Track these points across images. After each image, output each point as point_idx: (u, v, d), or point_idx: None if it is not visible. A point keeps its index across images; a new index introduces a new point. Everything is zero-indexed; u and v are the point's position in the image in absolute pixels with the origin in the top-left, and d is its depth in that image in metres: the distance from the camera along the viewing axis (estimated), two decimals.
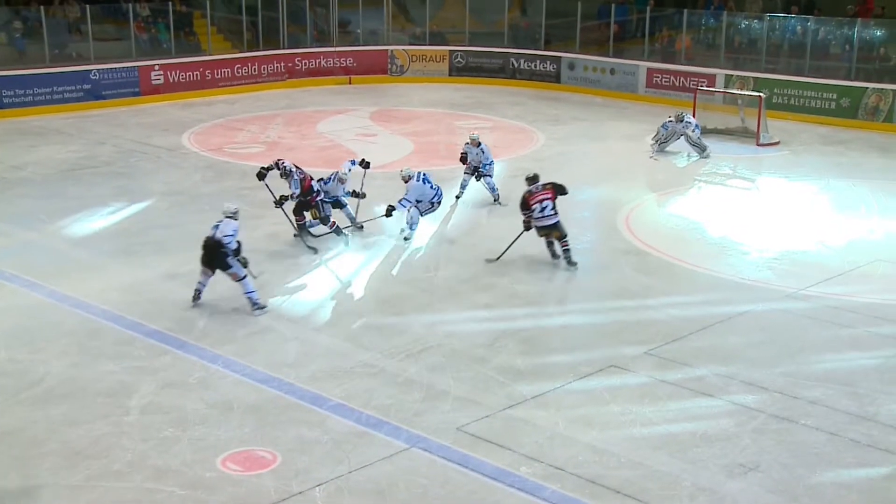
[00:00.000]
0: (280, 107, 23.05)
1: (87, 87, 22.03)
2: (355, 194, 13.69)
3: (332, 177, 13.51)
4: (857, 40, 22.35)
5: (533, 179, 12.57)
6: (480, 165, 15.03)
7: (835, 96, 21.60)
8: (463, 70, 26.74)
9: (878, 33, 22.64)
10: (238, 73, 24.71)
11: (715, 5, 25.60)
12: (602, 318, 10.81)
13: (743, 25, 24.79)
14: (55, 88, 21.66)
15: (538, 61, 26.14)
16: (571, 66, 25.65)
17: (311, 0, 26.62)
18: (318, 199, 13.18)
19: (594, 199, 15.59)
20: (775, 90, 22.07)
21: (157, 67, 23.20)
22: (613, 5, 26.01)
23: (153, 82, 23.12)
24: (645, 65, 24.35)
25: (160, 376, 9.18)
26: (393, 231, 13.53)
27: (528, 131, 20.83)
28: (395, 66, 26.83)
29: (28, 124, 20.25)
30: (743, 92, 21.56)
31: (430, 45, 27.26)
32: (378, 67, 26.67)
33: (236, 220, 10.94)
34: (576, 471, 7.70)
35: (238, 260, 10.81)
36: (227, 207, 11.14)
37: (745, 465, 7.83)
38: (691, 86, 22.43)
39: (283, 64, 25.47)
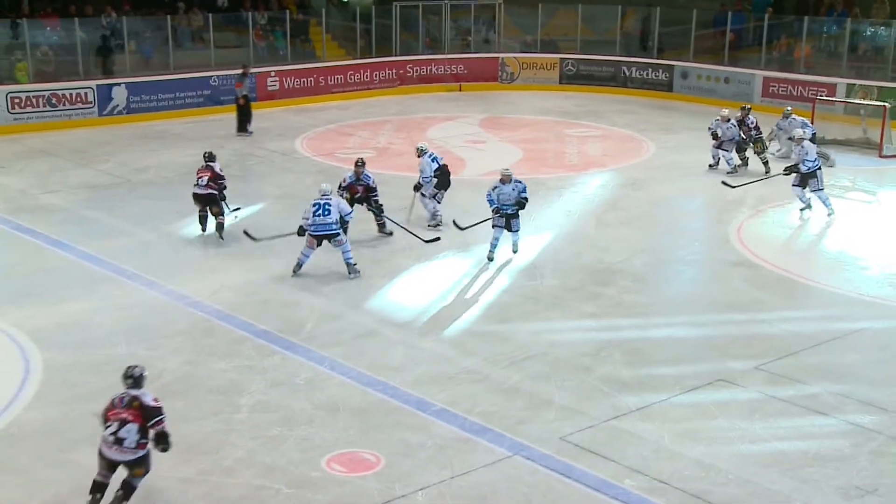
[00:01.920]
0: (391, 113, 23.35)
1: (207, 92, 22.74)
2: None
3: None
4: None
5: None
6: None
7: None
8: (573, 78, 26.60)
9: None
10: (351, 79, 25.14)
11: (838, 11, 24.83)
12: (711, 331, 10.61)
13: (868, 32, 23.99)
14: (178, 94, 22.42)
15: (650, 70, 25.82)
16: (685, 75, 25.24)
17: (423, 7, 26.92)
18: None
19: (705, 210, 15.30)
20: None
21: (273, 73, 23.80)
22: (730, 13, 25.55)
23: (269, 88, 23.72)
24: (761, 73, 23.79)
25: (269, 376, 9.40)
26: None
27: (639, 140, 20.59)
28: (505, 74, 26.87)
29: (152, 129, 21.01)
30: (865, 102, 20.86)
31: (540, 52, 27.21)
32: (489, 74, 26.77)
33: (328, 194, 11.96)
34: (681, 485, 7.58)
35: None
36: (323, 188, 12.11)
37: (861, 488, 7.56)
38: (810, 95, 21.81)
39: (394, 70, 25.81)
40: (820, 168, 14.73)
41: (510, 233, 12.81)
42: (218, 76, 22.82)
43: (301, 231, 12.09)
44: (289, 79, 24.09)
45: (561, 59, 26.80)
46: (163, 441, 7.11)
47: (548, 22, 27.75)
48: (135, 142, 19.82)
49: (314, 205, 12.00)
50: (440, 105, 24.12)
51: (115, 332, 10.38)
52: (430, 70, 26.36)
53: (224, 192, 13.69)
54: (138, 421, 7.01)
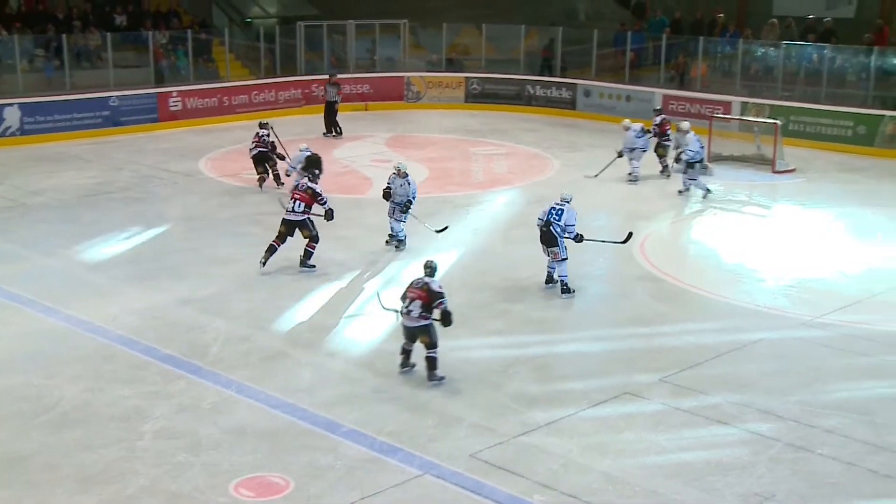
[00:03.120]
0: (295, 133, 23.17)
1: (105, 113, 22.22)
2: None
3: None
4: (873, 69, 22.34)
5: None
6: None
7: (851, 124, 21.55)
8: (478, 97, 26.85)
9: (895, 62, 22.64)
10: (255, 99, 24.87)
11: (731, 33, 25.66)
12: (616, 345, 10.79)
13: (759, 53, 24.83)
14: (75, 115, 21.84)
15: (554, 88, 26.23)
16: (587, 93, 25.71)
17: (328, 27, 26.85)
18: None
19: (609, 226, 15.56)
20: (791, 118, 22.02)
21: (175, 94, 23.41)
22: (629, 33, 26.16)
23: (171, 108, 23.32)
24: (661, 91, 24.37)
25: (174, 401, 9.20)
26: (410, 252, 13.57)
27: (544, 158, 20.86)
28: (411, 93, 26.96)
29: (48, 150, 20.41)
30: (759, 119, 21.56)
31: (446, 71, 27.41)
32: (394, 94, 26.81)
33: (569, 202, 12.45)
34: (590, 499, 7.66)
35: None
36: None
37: (760, 494, 7.77)
38: (707, 113, 22.44)
39: (300, 90, 25.65)
40: (701, 161, 16.21)
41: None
42: (117, 96, 22.35)
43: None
44: (191, 99, 23.71)
45: (466, 77, 27.02)
46: (446, 318, 9.65)
47: (452, 41, 27.99)
48: (29, 164, 19.22)
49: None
50: (346, 124, 24.01)
51: (12, 360, 10.04)
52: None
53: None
54: (424, 299, 9.60)
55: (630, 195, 17.61)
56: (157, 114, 23.05)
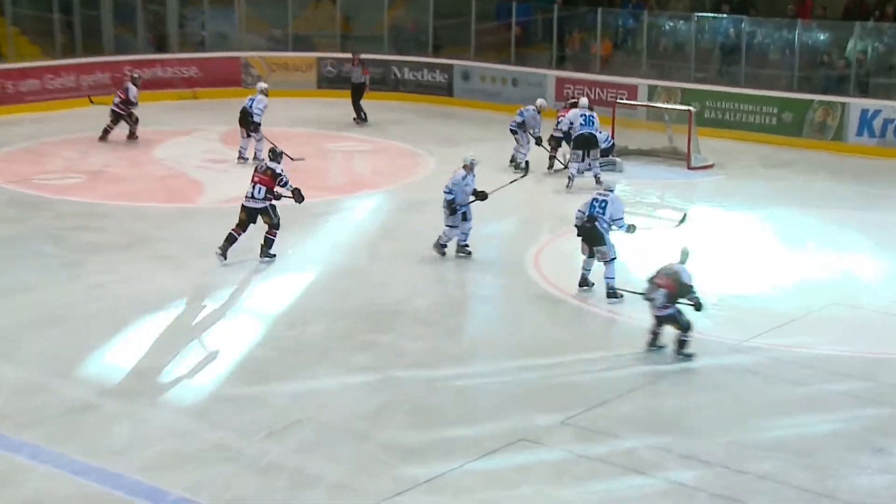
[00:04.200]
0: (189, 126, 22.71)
1: None
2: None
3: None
4: (798, 45, 23.17)
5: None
6: None
7: (776, 110, 22.33)
8: (334, 81, 26.75)
9: (822, 37, 23.53)
10: (50, 84, 24.21)
11: (634, 3, 26.23)
12: (509, 381, 10.79)
13: (667, 27, 25.47)
14: None
15: (426, 70, 26.36)
16: (466, 76, 25.92)
17: None
18: None
19: (498, 236, 15.67)
20: (707, 103, 22.69)
21: None
22: (514, 3, 26.42)
23: None
24: (553, 74, 24.78)
25: None
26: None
27: (416, 155, 20.88)
28: (250, 77, 26.65)
29: None
30: (670, 106, 22.09)
31: (293, 51, 27.20)
32: (229, 78, 26.47)
33: (613, 192, 13.19)
34: None
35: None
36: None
37: None
38: (609, 99, 22.91)
39: (108, 74, 25.00)
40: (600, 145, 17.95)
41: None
42: None
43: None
44: None
45: (318, 58, 26.92)
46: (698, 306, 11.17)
47: (300, 14, 27.86)
48: None
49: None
50: (170, 116, 23.57)
51: None
52: (156, 73, 25.76)
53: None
54: (670, 289, 11.05)
55: (523, 194, 17.78)
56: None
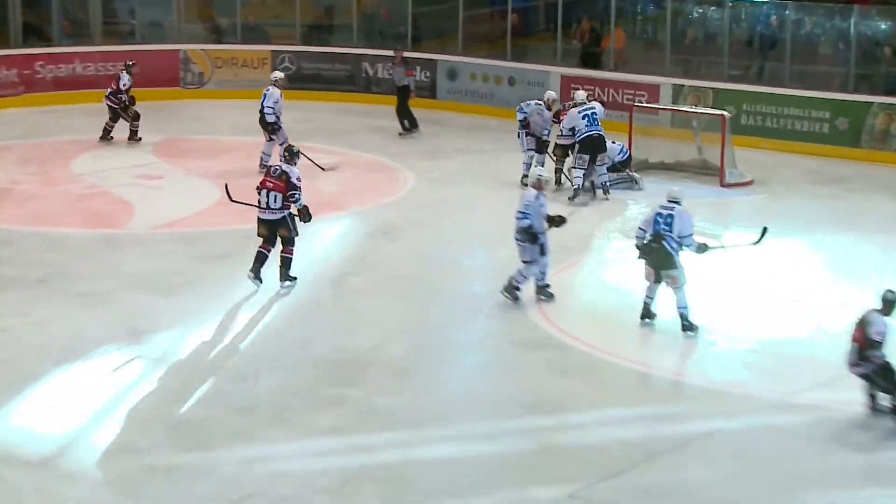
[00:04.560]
0: (13, 136, 22.60)
1: None
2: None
3: None
4: (855, 35, 23.18)
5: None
6: None
7: (827, 115, 22.30)
8: (294, 80, 26.68)
9: (884, 26, 23.52)
10: None
11: None
12: (505, 445, 10.78)
13: (695, 14, 25.49)
14: None
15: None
16: (452, 75, 25.94)
17: None
18: None
19: (490, 268, 15.63)
20: (744, 107, 22.69)
21: None
22: None
23: None
24: (558, 71, 24.76)
25: None
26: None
27: (392, 170, 20.87)
28: (191, 75, 26.68)
29: None
30: (699, 110, 22.09)
31: (243, 43, 27.22)
32: (165, 76, 26.47)
33: (680, 203, 13.28)
34: None
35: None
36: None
37: None
38: (626, 101, 22.92)
39: (15, 70, 25.03)
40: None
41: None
42: None
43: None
44: None
45: (273, 52, 26.90)
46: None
47: None
48: None
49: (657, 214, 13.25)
50: (91, 123, 23.52)
51: None
52: (74, 70, 25.80)
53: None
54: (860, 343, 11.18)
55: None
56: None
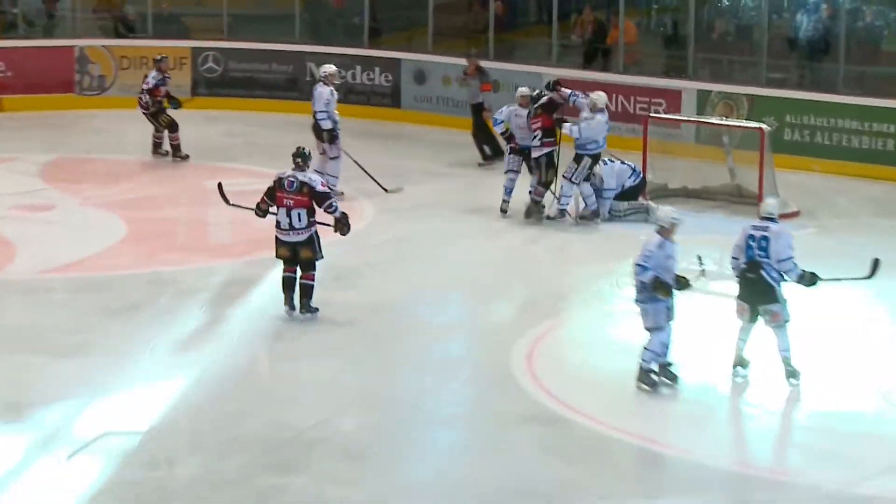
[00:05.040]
0: None
1: None
2: None
3: None
4: None
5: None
6: None
7: (893, 129, 22.41)
8: (219, 84, 26.77)
9: None
10: None
11: None
12: None
13: (726, 2, 25.64)
14: None
15: (359, 68, 26.40)
16: (420, 78, 26.00)
17: None
18: None
19: (468, 324, 15.60)
20: (788, 118, 22.80)
21: None
22: None
23: None
24: (553, 73, 24.81)
25: None
26: None
27: (344, 199, 20.83)
28: (88, 78, 26.66)
29: None
30: (731, 122, 22.15)
31: (155, 38, 27.20)
32: (56, 80, 26.45)
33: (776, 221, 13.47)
34: None
35: None
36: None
37: None
38: (639, 112, 22.98)
39: None
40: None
41: None
42: None
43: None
44: None
45: (194, 49, 26.90)
46: None
47: None
48: None
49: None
50: None
51: None
52: None
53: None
54: None
55: (500, 270, 17.75)
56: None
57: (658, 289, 13.23)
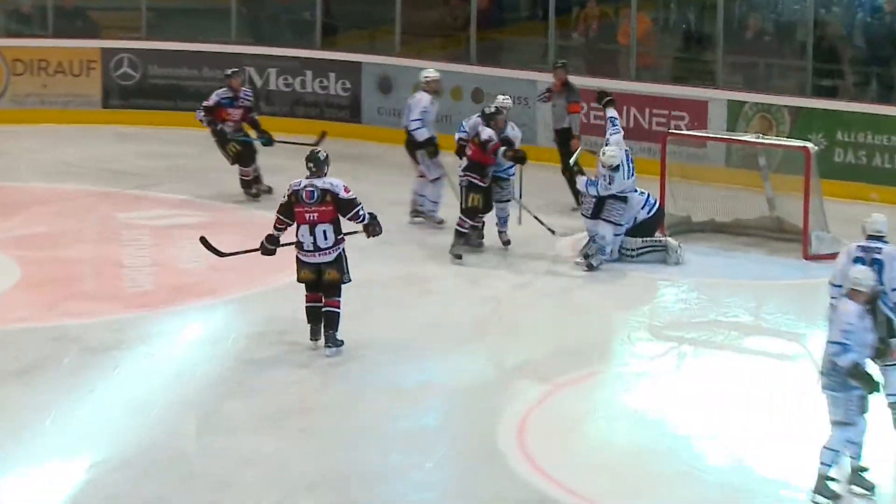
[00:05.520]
0: None
1: None
2: None
3: None
4: None
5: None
6: None
7: None
8: (136, 94, 26.85)
9: None
10: None
11: None
12: None
13: None
14: None
15: (311, 74, 26.49)
16: (385, 86, 26.09)
17: None
18: None
19: (446, 389, 15.68)
20: (839, 135, 22.88)
21: None
22: None
23: None
24: (550, 80, 24.91)
25: None
26: None
27: (288, 234, 20.92)
28: None
29: None
30: (770, 140, 22.26)
31: (56, 37, 27.29)
32: None
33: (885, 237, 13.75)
34: None
35: None
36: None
37: None
38: (655, 127, 23.08)
39: None
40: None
41: None
42: None
43: None
44: None
45: (104, 50, 26.98)
46: None
47: None
48: None
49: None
50: None
51: None
52: None
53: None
54: None
55: (487, 320, 17.85)
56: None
57: (857, 377, 12.29)
